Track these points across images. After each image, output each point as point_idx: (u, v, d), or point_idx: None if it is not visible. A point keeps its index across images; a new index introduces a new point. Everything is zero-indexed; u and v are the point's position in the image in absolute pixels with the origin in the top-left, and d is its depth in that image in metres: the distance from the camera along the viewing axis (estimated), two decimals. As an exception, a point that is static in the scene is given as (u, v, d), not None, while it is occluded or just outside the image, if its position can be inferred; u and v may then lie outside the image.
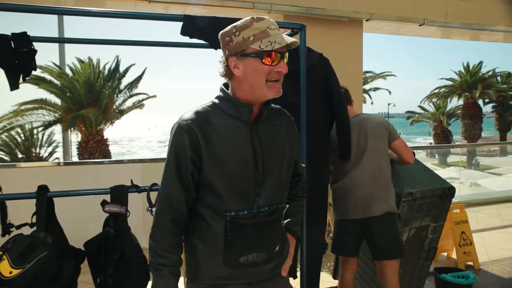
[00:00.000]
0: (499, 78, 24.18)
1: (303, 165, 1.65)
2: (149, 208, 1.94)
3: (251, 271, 1.35)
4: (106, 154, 14.04)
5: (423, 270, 2.98)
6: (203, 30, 1.94)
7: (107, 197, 1.93)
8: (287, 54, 1.30)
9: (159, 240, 1.32)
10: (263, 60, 1.25)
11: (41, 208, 1.78)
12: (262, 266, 1.36)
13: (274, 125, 1.38)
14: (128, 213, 1.95)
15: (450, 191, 2.79)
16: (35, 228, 1.79)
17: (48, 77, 13.32)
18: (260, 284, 1.40)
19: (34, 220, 1.81)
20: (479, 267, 3.82)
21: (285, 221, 1.52)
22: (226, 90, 1.33)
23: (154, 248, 1.32)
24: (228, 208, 1.29)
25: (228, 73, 1.32)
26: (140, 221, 3.33)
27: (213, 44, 1.98)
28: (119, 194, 1.92)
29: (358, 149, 2.45)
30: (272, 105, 1.41)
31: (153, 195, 1.99)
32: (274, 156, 1.35)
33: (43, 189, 1.83)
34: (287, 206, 1.48)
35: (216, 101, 1.34)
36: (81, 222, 3.06)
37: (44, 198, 1.79)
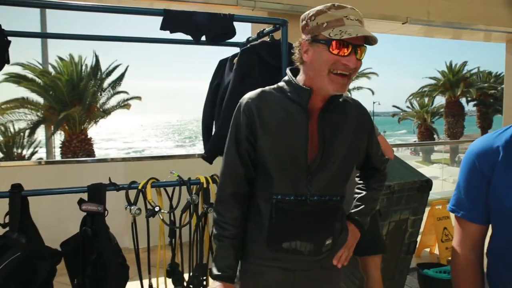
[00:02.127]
0: (480, 76, 24.68)
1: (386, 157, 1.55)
2: (128, 207, 1.91)
3: (294, 258, 1.33)
4: (90, 153, 13.86)
5: (405, 264, 3.01)
6: (183, 25, 1.90)
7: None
8: (364, 49, 1.22)
9: (222, 213, 1.34)
10: (330, 48, 1.19)
11: (15, 208, 1.73)
12: (307, 256, 1.33)
13: (342, 117, 1.34)
14: (106, 212, 1.91)
15: (428, 184, 2.85)
16: (8, 229, 1.73)
17: (30, 75, 13.07)
18: (305, 274, 1.37)
19: (7, 220, 1.75)
20: (461, 262, 3.87)
21: (352, 210, 1.49)
22: (291, 75, 1.32)
23: (217, 220, 1.35)
24: (276, 191, 1.29)
25: (299, 57, 1.29)
26: (122, 220, 3.28)
27: (194, 37, 1.94)
28: (96, 192, 1.88)
29: None
30: (345, 96, 1.38)
31: (132, 194, 1.97)
32: (334, 148, 1.31)
33: (16, 188, 1.77)
34: (356, 190, 1.48)
35: (282, 84, 1.34)
36: (59, 221, 3.00)
37: (17, 197, 1.74)
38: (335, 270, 1.44)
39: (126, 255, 2.03)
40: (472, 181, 1.23)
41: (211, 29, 1.91)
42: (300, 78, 1.30)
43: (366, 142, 1.43)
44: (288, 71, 1.34)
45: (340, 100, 1.35)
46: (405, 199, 2.79)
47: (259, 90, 1.33)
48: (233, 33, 1.99)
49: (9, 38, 1.86)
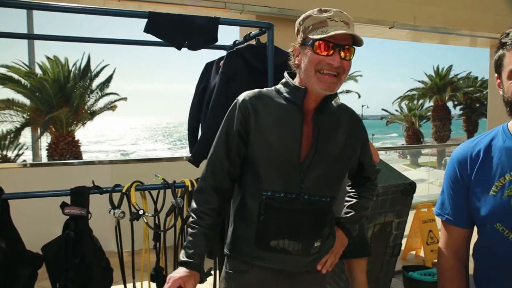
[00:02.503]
0: (466, 81, 25.09)
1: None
2: (111, 210, 1.89)
3: (282, 258, 1.32)
4: (78, 156, 13.70)
5: (390, 267, 3.03)
6: (167, 28, 1.90)
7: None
8: (351, 50, 1.26)
9: (200, 203, 1.34)
10: (314, 49, 1.23)
11: (-5, 211, 1.70)
12: (294, 256, 1.32)
13: (335, 120, 1.37)
14: (89, 215, 1.89)
15: (411, 186, 2.87)
16: (-12, 232, 1.70)
17: (16, 76, 12.88)
18: (291, 277, 1.36)
19: (-13, 223, 1.72)
20: (446, 265, 3.91)
21: (342, 217, 1.50)
22: (289, 78, 1.36)
23: (194, 210, 1.34)
24: (266, 187, 1.29)
25: (294, 62, 1.34)
26: (107, 224, 3.24)
27: (177, 44, 1.94)
28: (79, 195, 1.86)
29: None
30: (339, 102, 1.44)
31: (116, 197, 1.95)
32: (327, 148, 1.33)
33: (-3, 191, 1.74)
34: (347, 198, 1.49)
35: (279, 86, 1.38)
36: (42, 225, 2.95)
37: (-3, 200, 1.71)
38: (320, 275, 1.43)
39: (111, 258, 2.01)
40: (454, 187, 1.25)
41: (195, 33, 1.91)
42: (296, 81, 1.34)
43: (359, 151, 1.44)
44: (286, 74, 1.38)
45: (334, 104, 1.39)
46: (390, 202, 2.82)
47: (256, 90, 1.36)
48: (215, 39, 1.99)
49: None
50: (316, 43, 1.23)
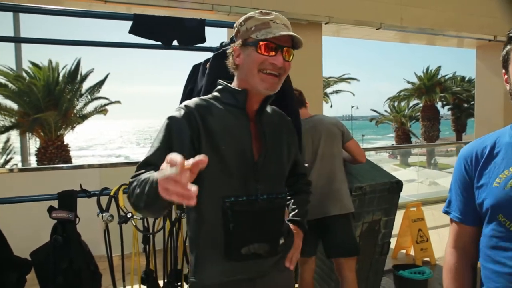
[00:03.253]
0: (454, 81, 25.37)
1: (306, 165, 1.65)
2: (100, 213, 1.88)
3: (254, 263, 1.31)
4: (67, 160, 13.55)
5: (379, 266, 3.06)
6: (153, 29, 1.89)
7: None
8: (291, 52, 1.30)
9: (137, 175, 1.15)
10: (258, 49, 1.26)
11: (-20, 217, 1.68)
12: (265, 259, 1.33)
13: (274, 120, 1.43)
14: (77, 219, 1.88)
15: (398, 185, 2.91)
16: (-27, 238, 1.68)
17: (3, 80, 12.73)
18: (263, 280, 1.35)
19: (-27, 229, 1.70)
20: (435, 263, 3.95)
21: (291, 214, 1.53)
22: (225, 82, 1.36)
23: (135, 180, 1.13)
24: (227, 193, 1.27)
25: (232, 63, 1.35)
26: (97, 228, 3.21)
27: (164, 40, 1.93)
28: (67, 199, 1.85)
29: (313, 152, 2.50)
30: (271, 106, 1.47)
31: (104, 200, 1.94)
32: (275, 146, 1.37)
33: (-18, 196, 1.72)
34: (288, 197, 1.50)
35: (216, 93, 1.37)
36: (30, 230, 2.92)
37: (-17, 205, 1.69)
38: (288, 271, 1.45)
39: (100, 263, 2.00)
40: (461, 184, 1.26)
41: (181, 34, 1.91)
42: (234, 84, 1.36)
43: (295, 149, 1.50)
44: (220, 81, 1.38)
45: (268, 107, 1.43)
46: (377, 200, 2.85)
47: (196, 99, 1.34)
48: (203, 39, 2.00)
49: None
50: (260, 43, 1.26)
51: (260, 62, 1.27)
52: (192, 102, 1.31)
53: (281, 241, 1.37)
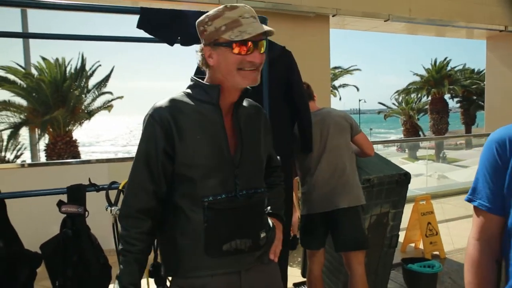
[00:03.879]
0: (463, 73, 25.06)
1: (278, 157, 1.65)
2: (108, 207, 1.89)
3: (237, 259, 1.31)
4: (76, 155, 13.66)
5: (388, 259, 3.04)
6: (160, 23, 1.89)
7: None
8: (263, 43, 1.27)
9: (128, 228, 1.29)
10: (233, 50, 1.23)
11: (-9, 211, 1.70)
12: (247, 254, 1.33)
13: (250, 113, 1.41)
14: (87, 213, 1.89)
15: (406, 177, 2.90)
16: (-15, 232, 1.70)
17: (12, 77, 12.84)
18: (249, 272, 1.35)
19: (-16, 223, 1.72)
20: (445, 256, 3.92)
21: (268, 208, 1.52)
22: (197, 79, 1.34)
23: (123, 235, 1.29)
24: (206, 193, 1.27)
25: (204, 62, 1.32)
26: (106, 221, 3.23)
27: (169, 39, 1.93)
28: (76, 193, 1.85)
29: (322, 145, 2.48)
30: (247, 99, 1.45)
31: (112, 194, 1.95)
32: (252, 140, 1.37)
33: (-8, 190, 1.74)
34: (266, 192, 1.48)
35: (187, 90, 1.35)
36: (41, 224, 2.95)
37: (-7, 200, 1.70)
38: (273, 264, 1.45)
39: (110, 256, 2.01)
40: (491, 169, 1.17)
41: (187, 29, 1.90)
42: (207, 80, 1.34)
43: (268, 141, 1.49)
44: (192, 76, 1.36)
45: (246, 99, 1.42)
46: (385, 193, 2.84)
47: (166, 99, 1.32)
48: None
49: None
50: (235, 43, 1.22)
51: (239, 62, 1.25)
52: (164, 104, 1.29)
53: (262, 235, 1.37)
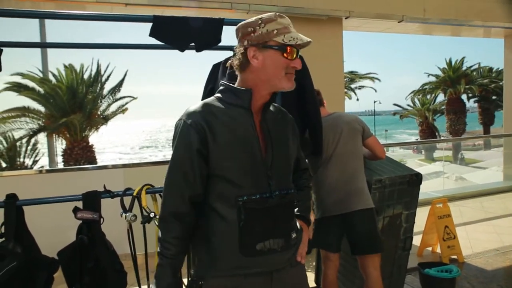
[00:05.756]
0: (481, 72, 24.60)
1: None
2: (123, 213, 1.91)
3: (270, 258, 1.34)
4: (92, 160, 13.88)
5: (402, 261, 3.01)
6: (172, 31, 1.91)
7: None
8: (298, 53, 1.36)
9: (163, 231, 1.34)
10: (284, 54, 1.31)
11: (9, 218, 1.73)
12: (280, 253, 1.35)
13: (278, 116, 1.46)
14: (102, 219, 1.91)
15: (417, 177, 2.88)
16: (3, 239, 1.73)
17: (31, 84, 13.14)
18: (279, 274, 1.38)
19: (3, 230, 1.75)
20: (463, 260, 3.84)
21: (296, 209, 1.54)
22: (229, 83, 1.38)
23: (159, 239, 1.35)
24: (240, 193, 1.30)
25: (244, 63, 1.35)
26: (122, 227, 3.27)
27: (180, 46, 1.95)
28: (91, 200, 1.88)
29: (335, 149, 2.48)
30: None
31: (127, 200, 1.97)
32: (282, 142, 1.41)
33: (11, 197, 1.78)
34: (296, 193, 1.51)
35: (219, 94, 1.39)
36: (57, 230, 2.99)
37: (12, 207, 1.74)
38: (301, 266, 1.49)
39: (125, 261, 2.03)
40: None
41: (199, 35, 1.92)
42: (239, 84, 1.38)
43: (298, 145, 1.54)
44: (223, 81, 1.41)
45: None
46: (397, 194, 2.83)
47: (201, 102, 1.37)
48: (218, 40, 2.02)
49: (9, 48, 1.90)
50: (288, 47, 1.31)
51: (285, 66, 1.32)
52: (197, 109, 1.33)
53: (294, 235, 1.41)
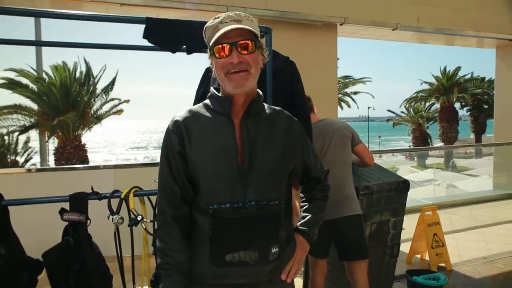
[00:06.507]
0: (473, 82, 24.85)
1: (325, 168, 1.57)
2: (110, 216, 1.90)
3: (241, 271, 1.28)
4: (84, 160, 13.78)
5: (390, 268, 3.03)
6: (165, 33, 1.90)
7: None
8: (248, 43, 1.26)
9: (166, 239, 1.30)
10: (216, 55, 1.28)
11: (-6, 218, 1.71)
12: (253, 267, 1.28)
13: (269, 122, 1.37)
14: (89, 221, 1.89)
15: (405, 184, 2.91)
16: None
17: (24, 81, 13.04)
18: None
19: (-13, 230, 1.73)
20: (451, 268, 3.86)
21: (299, 222, 1.48)
22: (214, 90, 1.37)
23: (162, 248, 1.30)
24: (211, 201, 1.27)
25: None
26: (109, 229, 3.25)
27: (172, 48, 1.95)
28: (78, 201, 1.86)
29: (325, 156, 2.50)
30: (273, 106, 1.45)
31: (114, 202, 1.95)
32: (265, 149, 1.32)
33: (-4, 197, 1.75)
34: (282, 204, 1.43)
35: (207, 101, 1.39)
36: (44, 231, 2.96)
37: (-3, 207, 1.72)
38: (285, 285, 1.40)
39: (111, 263, 2.01)
40: None
41: (192, 38, 1.92)
42: (222, 91, 1.36)
43: (300, 151, 1.44)
44: (212, 88, 1.39)
45: (266, 107, 1.41)
46: (385, 200, 2.85)
47: (187, 108, 1.38)
48: None
49: (4, 45, 1.90)
50: (214, 48, 1.27)
51: (222, 66, 1.27)
52: (182, 114, 1.35)
53: (274, 250, 1.31)
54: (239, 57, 1.25)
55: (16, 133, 13.28)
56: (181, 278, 1.28)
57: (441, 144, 23.31)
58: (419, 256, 4.19)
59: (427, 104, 25.68)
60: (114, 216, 1.88)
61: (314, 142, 2.45)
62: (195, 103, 2.54)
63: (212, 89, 1.38)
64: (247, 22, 1.29)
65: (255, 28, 1.30)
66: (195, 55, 2.07)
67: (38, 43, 7.19)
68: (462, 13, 5.73)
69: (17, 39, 2.28)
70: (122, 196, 1.94)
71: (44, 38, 12.42)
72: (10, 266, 1.70)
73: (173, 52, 1.96)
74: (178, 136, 1.31)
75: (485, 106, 24.06)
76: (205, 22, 1.83)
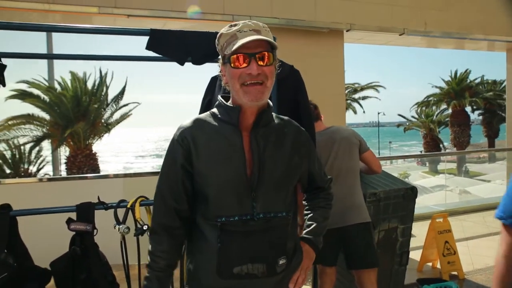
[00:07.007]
0: (485, 85, 24.57)
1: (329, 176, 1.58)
2: (116, 225, 1.91)
3: (248, 283, 1.28)
4: (95, 169, 13.92)
5: (399, 277, 2.99)
6: (169, 45, 1.92)
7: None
8: (266, 55, 1.24)
9: (152, 244, 1.33)
10: (232, 64, 1.24)
11: (2, 229, 1.73)
12: (261, 279, 1.28)
13: (278, 132, 1.36)
14: (95, 230, 1.91)
15: (413, 191, 2.88)
16: (-4, 249, 1.73)
17: (36, 91, 13.27)
18: None
19: (-4, 240, 1.75)
20: (464, 277, 3.79)
21: (304, 231, 1.48)
22: (222, 99, 1.35)
23: (149, 252, 1.34)
24: (219, 214, 1.26)
25: (224, 82, 1.34)
26: (116, 237, 3.27)
27: (179, 59, 1.97)
28: (85, 211, 1.88)
29: (331, 164, 2.48)
30: (281, 116, 1.43)
31: (121, 212, 1.97)
32: (274, 161, 1.31)
33: (5, 208, 1.78)
34: (306, 212, 1.46)
35: (214, 109, 1.37)
36: (52, 240, 2.99)
37: (5, 217, 1.74)
38: None
39: (119, 272, 2.02)
40: None
41: (197, 48, 1.93)
42: (230, 101, 1.34)
43: (307, 162, 1.44)
44: (219, 96, 1.37)
45: (274, 117, 1.39)
46: (392, 207, 2.83)
47: (193, 117, 1.35)
48: (215, 53, 2.02)
49: (17, 59, 1.95)
50: (231, 57, 1.23)
51: (238, 76, 1.24)
52: (188, 124, 1.33)
53: (281, 261, 1.31)
54: (258, 69, 1.22)
55: (28, 142, 13.47)
56: (158, 285, 1.29)
57: (453, 149, 23.01)
58: (430, 264, 4.12)
59: (441, 109, 25.41)
60: (121, 226, 1.89)
61: (321, 150, 2.44)
62: (200, 113, 2.56)
63: (219, 97, 1.36)
64: (265, 32, 1.27)
65: (273, 39, 1.28)
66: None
67: (50, 56, 7.35)
68: (469, 16, 5.68)
69: (29, 53, 2.33)
70: (128, 206, 1.95)
71: (56, 47, 12.59)
72: (18, 275, 1.72)
73: (182, 64, 1.98)
74: (184, 148, 1.29)
75: (498, 111, 23.73)
76: (208, 33, 1.83)
